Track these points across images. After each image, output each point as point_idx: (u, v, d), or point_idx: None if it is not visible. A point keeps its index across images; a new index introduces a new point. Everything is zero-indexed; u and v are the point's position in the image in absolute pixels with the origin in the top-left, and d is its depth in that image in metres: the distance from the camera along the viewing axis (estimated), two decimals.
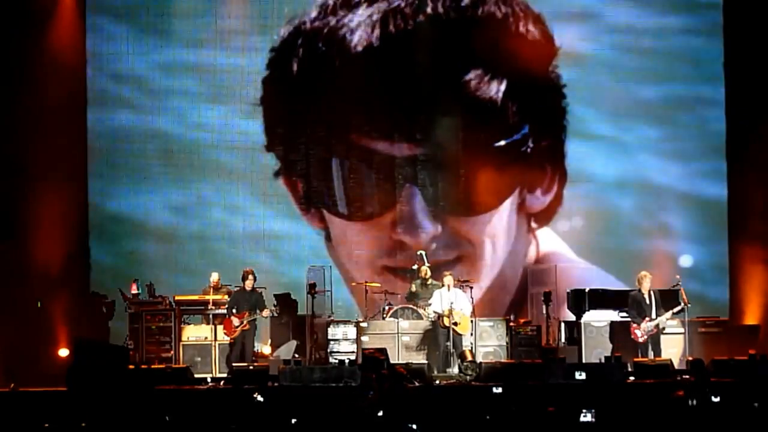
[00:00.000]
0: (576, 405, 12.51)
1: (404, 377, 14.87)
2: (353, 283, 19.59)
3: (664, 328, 17.32)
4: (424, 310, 18.20)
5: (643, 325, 17.13)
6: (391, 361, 16.38)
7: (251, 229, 20.43)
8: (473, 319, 18.03)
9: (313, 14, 20.27)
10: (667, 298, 17.37)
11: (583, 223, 20.34)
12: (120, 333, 18.67)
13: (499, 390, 14.98)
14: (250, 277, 17.68)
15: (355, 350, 18.03)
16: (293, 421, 11.35)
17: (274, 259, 20.15)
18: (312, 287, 18.59)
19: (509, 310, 19.76)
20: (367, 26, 20.06)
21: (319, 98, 20.26)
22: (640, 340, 17.15)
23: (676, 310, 17.13)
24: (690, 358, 16.96)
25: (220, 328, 18.04)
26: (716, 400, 13.34)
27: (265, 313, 17.56)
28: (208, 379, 17.09)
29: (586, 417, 11.87)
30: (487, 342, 18.25)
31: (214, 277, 18.67)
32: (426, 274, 18.64)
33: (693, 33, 20.30)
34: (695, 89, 20.30)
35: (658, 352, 17.17)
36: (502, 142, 20.17)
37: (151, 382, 15.67)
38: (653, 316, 17.15)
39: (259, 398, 13.14)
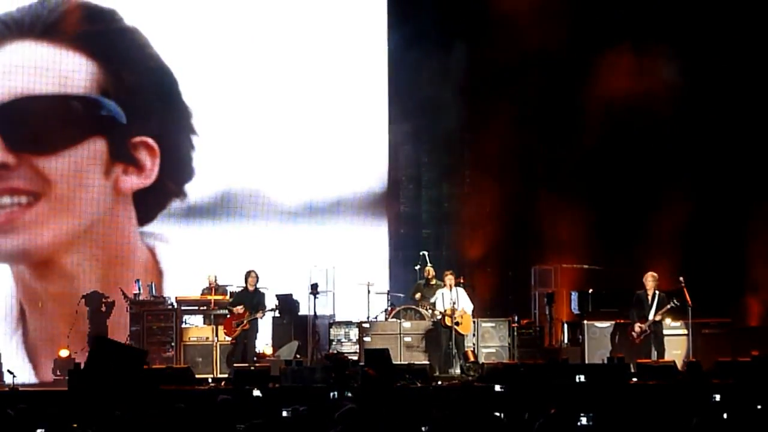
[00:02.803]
0: (578, 406, 12.45)
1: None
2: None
3: (660, 327, 17.34)
4: (427, 309, 18.17)
5: (637, 325, 17.22)
6: (394, 362, 16.41)
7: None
8: (475, 319, 18.00)
9: None
10: (671, 300, 17.40)
11: None
12: (120, 333, 18.68)
13: (501, 388, 14.95)
14: (252, 276, 17.70)
15: (358, 351, 18.02)
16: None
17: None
18: (314, 287, 18.59)
19: None
20: None
21: None
22: (636, 341, 17.24)
23: (665, 309, 17.19)
24: (693, 359, 17.00)
25: (221, 328, 18.03)
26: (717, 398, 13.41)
27: (259, 315, 17.54)
28: (210, 380, 17.07)
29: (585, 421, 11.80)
30: (489, 343, 18.21)
31: (211, 278, 18.69)
32: (429, 274, 18.64)
33: None
34: None
35: (661, 353, 17.17)
36: None
37: (155, 382, 15.61)
38: (650, 317, 17.22)
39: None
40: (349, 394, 14.34)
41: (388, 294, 19.21)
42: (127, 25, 20.41)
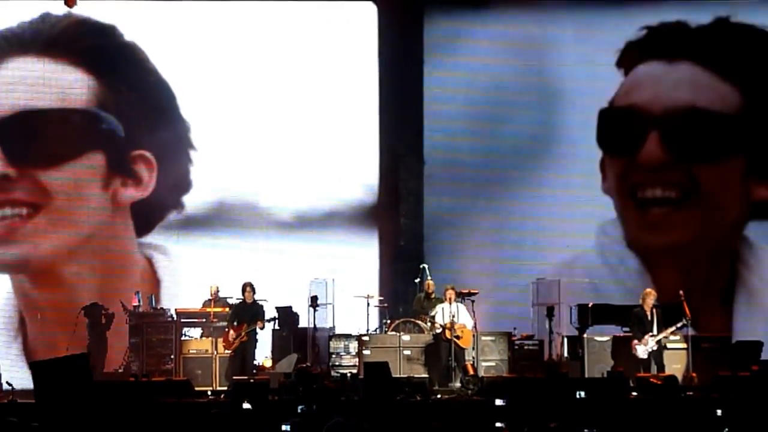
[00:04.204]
0: (577, 421, 12.43)
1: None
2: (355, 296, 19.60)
3: (665, 344, 17.33)
4: (426, 323, 18.17)
5: (644, 340, 17.16)
6: (393, 375, 16.41)
7: None
8: (475, 333, 17.99)
9: None
10: (670, 314, 17.40)
11: None
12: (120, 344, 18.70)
13: (502, 402, 14.91)
14: (249, 289, 17.69)
15: (357, 364, 18.00)
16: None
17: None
18: (314, 300, 18.57)
19: None
20: None
21: None
22: (641, 356, 17.16)
23: (677, 326, 17.19)
24: (693, 375, 17.04)
25: (220, 341, 18.02)
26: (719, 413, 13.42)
27: (259, 325, 17.53)
28: (209, 393, 17.05)
29: None
30: (488, 356, 18.20)
31: (213, 288, 18.71)
32: (430, 287, 18.65)
33: None
34: None
35: (661, 367, 17.15)
36: None
37: (149, 394, 15.57)
38: (654, 332, 17.18)
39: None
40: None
41: (384, 306, 19.19)
42: (126, 41, 20.71)
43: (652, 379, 15.90)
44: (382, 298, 19.35)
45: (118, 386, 16.09)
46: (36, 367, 15.74)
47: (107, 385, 16.19)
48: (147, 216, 20.67)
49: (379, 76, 21.04)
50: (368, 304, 18.78)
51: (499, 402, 14.91)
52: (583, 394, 15.61)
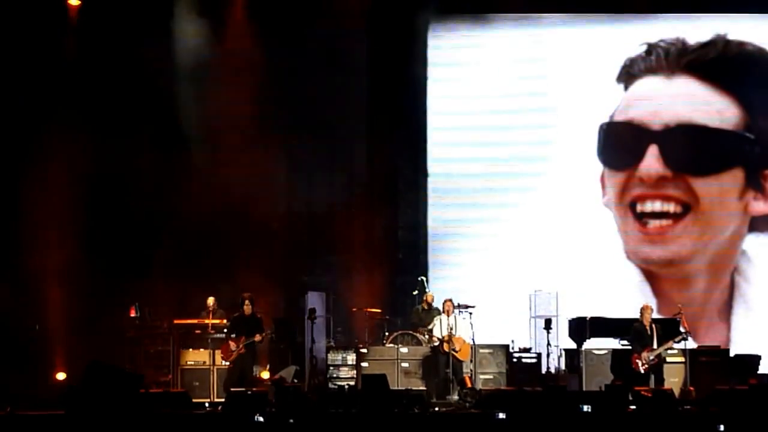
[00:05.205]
0: None
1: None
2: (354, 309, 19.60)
3: (665, 358, 17.35)
4: (424, 335, 18.18)
5: (644, 354, 17.15)
6: (391, 388, 16.39)
7: None
8: (473, 345, 18.00)
9: None
10: (669, 328, 17.43)
11: None
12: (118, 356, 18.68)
13: (503, 416, 14.88)
14: (247, 301, 17.68)
15: (355, 376, 18.01)
16: None
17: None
18: (312, 312, 18.57)
19: None
20: None
21: None
22: (641, 369, 17.16)
23: (676, 340, 17.22)
24: (691, 388, 17.02)
25: (218, 352, 18.02)
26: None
27: (257, 338, 17.51)
28: (207, 404, 17.04)
29: None
30: (486, 369, 18.21)
31: (210, 301, 18.71)
32: (430, 299, 18.68)
33: None
34: None
35: (660, 381, 17.15)
36: None
37: (147, 405, 15.54)
38: (654, 346, 17.19)
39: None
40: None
41: (382, 318, 19.21)
42: None
43: (643, 392, 15.88)
44: (380, 310, 19.37)
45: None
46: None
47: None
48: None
49: (370, 88, 21.14)
50: (366, 316, 18.81)
51: (501, 415, 14.86)
52: (587, 408, 15.58)
